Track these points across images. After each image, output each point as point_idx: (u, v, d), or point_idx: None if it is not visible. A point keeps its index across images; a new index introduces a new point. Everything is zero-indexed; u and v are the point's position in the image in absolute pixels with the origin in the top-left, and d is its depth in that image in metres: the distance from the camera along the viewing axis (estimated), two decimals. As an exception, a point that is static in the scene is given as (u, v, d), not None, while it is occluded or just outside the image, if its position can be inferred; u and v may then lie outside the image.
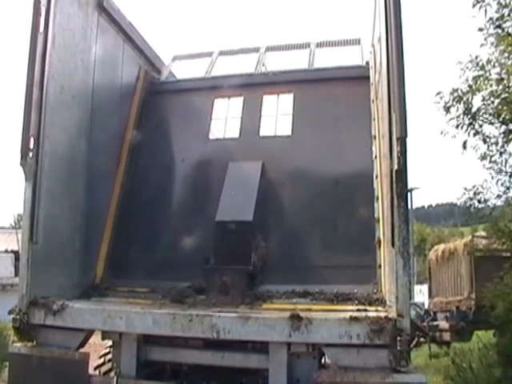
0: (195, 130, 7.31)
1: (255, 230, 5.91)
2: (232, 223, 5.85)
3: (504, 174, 10.57)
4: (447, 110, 10.11)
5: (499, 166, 10.55)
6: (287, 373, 4.36)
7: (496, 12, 9.27)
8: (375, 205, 5.81)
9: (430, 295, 20.27)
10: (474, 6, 9.21)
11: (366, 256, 5.67)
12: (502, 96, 9.36)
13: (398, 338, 3.97)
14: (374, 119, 6.34)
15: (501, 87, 9.44)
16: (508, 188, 10.62)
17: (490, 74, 9.62)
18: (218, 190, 6.21)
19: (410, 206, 5.72)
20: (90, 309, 4.93)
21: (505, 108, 9.25)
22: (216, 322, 4.40)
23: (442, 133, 10.45)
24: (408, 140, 4.07)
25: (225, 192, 6.18)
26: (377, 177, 5.88)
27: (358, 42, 8.31)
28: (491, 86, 9.58)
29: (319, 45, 8.39)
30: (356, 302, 5.24)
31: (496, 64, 9.61)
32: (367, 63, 7.32)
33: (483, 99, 9.83)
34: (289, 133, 6.94)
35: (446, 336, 16.48)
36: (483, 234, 15.44)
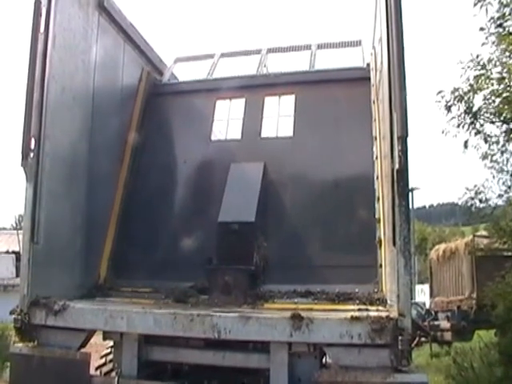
0: (197, 132, 7.35)
1: (257, 230, 5.96)
2: (234, 224, 5.90)
3: (505, 173, 10.59)
4: (448, 109, 10.11)
5: (500, 165, 10.57)
6: (288, 372, 4.36)
7: (497, 11, 9.27)
8: (376, 205, 5.85)
9: (431, 295, 20.25)
10: (475, 5, 9.20)
11: (367, 256, 5.72)
12: (503, 95, 9.35)
13: (400, 338, 3.97)
14: (375, 120, 6.39)
15: (502, 86, 9.43)
16: (509, 187, 10.64)
17: (491, 73, 9.61)
18: (220, 191, 6.26)
19: (411, 206, 5.73)
20: (91, 309, 4.92)
21: (506, 107, 9.24)
22: (217, 321, 4.40)
23: (443, 132, 10.46)
24: (409, 139, 4.07)
25: (227, 193, 6.24)
26: (377, 177, 5.92)
27: (358, 43, 8.33)
28: (492, 85, 9.57)
29: (320, 46, 8.43)
30: (357, 301, 5.30)
31: (497, 63, 9.60)
32: (368, 65, 7.38)
33: (484, 98, 9.83)
34: (290, 134, 6.99)
35: (447, 335, 16.45)
36: (484, 233, 15.44)
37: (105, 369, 5.82)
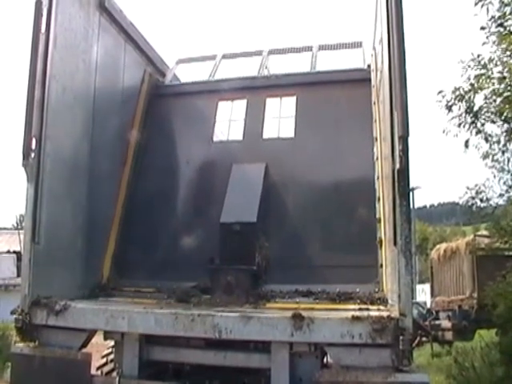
0: (199, 133, 7.39)
1: (259, 230, 5.99)
2: (236, 224, 5.93)
3: (506, 172, 10.59)
4: (449, 108, 10.12)
5: (501, 164, 10.57)
6: (289, 372, 4.35)
7: (498, 10, 9.26)
8: (377, 206, 5.87)
9: (432, 294, 20.26)
10: (476, 4, 9.21)
11: (368, 256, 5.74)
12: (504, 94, 9.35)
13: (401, 338, 3.96)
14: (376, 121, 6.42)
15: (503, 86, 9.43)
16: (510, 187, 10.64)
17: (492, 73, 9.61)
18: (222, 192, 6.30)
19: (411, 206, 5.73)
20: (92, 309, 4.93)
21: (507, 106, 9.23)
22: (218, 321, 4.40)
23: (444, 132, 10.47)
24: (410, 139, 4.07)
25: (229, 193, 6.27)
26: (378, 178, 5.95)
27: (359, 44, 8.36)
28: (493, 84, 9.56)
29: (321, 48, 8.46)
30: (358, 301, 5.32)
31: (498, 62, 9.60)
32: (369, 66, 7.42)
33: (485, 98, 9.83)
34: (292, 135, 7.02)
35: (448, 335, 16.45)
36: (485, 232, 15.44)
37: (106, 369, 5.82)
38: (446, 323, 16.94)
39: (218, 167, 6.95)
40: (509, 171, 10.55)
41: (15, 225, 50.10)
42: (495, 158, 10.54)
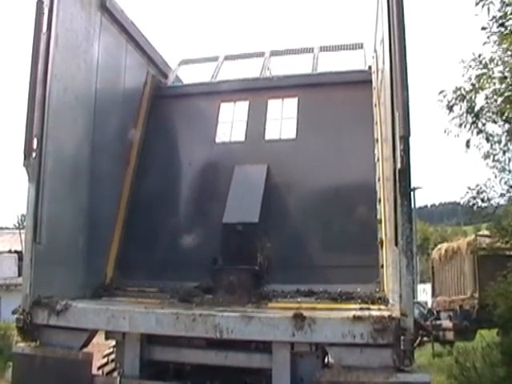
0: (202, 134, 7.44)
1: (261, 231, 6.03)
2: (238, 225, 6.00)
3: (507, 172, 10.58)
4: (450, 108, 10.12)
5: (502, 164, 10.56)
6: (290, 372, 4.35)
7: (499, 10, 9.25)
8: (377, 206, 5.90)
9: (434, 294, 20.27)
10: (476, 4, 9.19)
11: (369, 256, 5.78)
12: (506, 94, 9.34)
13: (402, 338, 3.96)
14: (377, 123, 6.44)
15: (504, 85, 9.42)
16: (511, 187, 10.61)
17: (493, 73, 9.60)
18: (225, 193, 6.37)
19: (413, 205, 5.74)
20: (93, 309, 4.93)
21: (508, 106, 9.22)
22: (219, 321, 4.40)
23: (445, 132, 10.47)
24: (411, 139, 4.07)
25: (231, 194, 6.34)
26: (379, 179, 5.98)
27: (360, 46, 8.40)
28: (494, 84, 9.56)
29: (323, 49, 8.49)
30: (359, 300, 5.36)
31: (499, 62, 9.59)
32: (369, 67, 7.46)
33: (486, 98, 9.82)
34: (293, 136, 7.06)
35: (450, 335, 16.45)
36: (486, 232, 15.44)
37: (107, 368, 5.81)
38: (447, 323, 16.95)
39: (221, 168, 6.99)
40: (510, 171, 10.54)
41: (16, 224, 50.16)
42: (496, 157, 10.54)
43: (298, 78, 7.83)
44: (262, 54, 8.66)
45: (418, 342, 4.59)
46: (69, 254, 5.69)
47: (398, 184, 4.10)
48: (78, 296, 5.52)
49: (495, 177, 10.70)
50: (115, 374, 5.02)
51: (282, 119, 7.37)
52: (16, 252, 29.99)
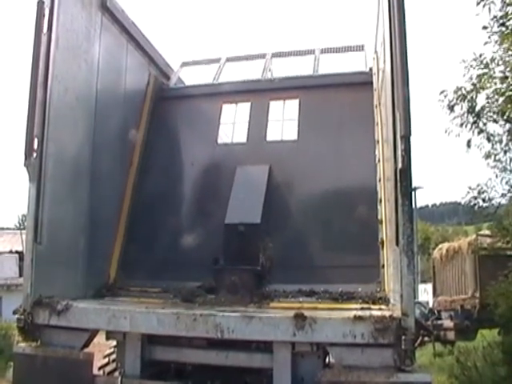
0: (204, 135, 7.47)
1: (263, 231, 6.07)
2: (241, 225, 6.02)
3: (508, 172, 10.59)
4: (451, 108, 10.13)
5: (503, 164, 10.58)
6: (291, 372, 4.35)
7: (500, 10, 9.27)
8: (378, 207, 5.93)
9: (435, 294, 20.28)
10: (478, 4, 9.22)
11: (370, 256, 5.81)
12: (507, 94, 9.34)
13: (403, 337, 3.95)
14: (377, 124, 6.47)
15: (505, 85, 9.42)
16: (512, 186, 10.62)
17: (494, 72, 9.61)
18: (227, 194, 6.41)
19: (414, 205, 5.76)
20: (94, 309, 4.93)
21: (509, 106, 9.23)
22: (220, 321, 4.40)
23: (446, 131, 10.48)
24: (412, 139, 4.07)
25: (233, 195, 6.38)
26: (380, 180, 6.01)
27: (361, 48, 8.42)
28: (495, 84, 9.57)
29: (324, 51, 8.51)
30: (360, 300, 5.38)
31: (500, 62, 9.60)
32: (370, 69, 7.48)
33: (487, 97, 9.83)
34: (295, 137, 7.10)
35: (451, 335, 16.46)
36: (487, 232, 15.46)
37: (108, 368, 5.83)
38: (448, 323, 16.96)
39: (223, 169, 7.02)
40: (511, 171, 10.54)
41: (17, 225, 50.27)
42: (497, 157, 10.55)
43: (300, 80, 7.86)
44: (263, 56, 8.70)
45: (419, 341, 4.60)
46: (70, 254, 5.69)
47: (398, 184, 4.10)
48: (78, 296, 5.52)
49: (496, 177, 10.72)
50: (116, 373, 5.03)
51: (284, 120, 7.41)
52: (17, 252, 30.00)
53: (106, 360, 6.03)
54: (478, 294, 15.32)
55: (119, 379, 4.70)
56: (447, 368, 11.38)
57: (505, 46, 9.31)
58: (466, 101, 9.96)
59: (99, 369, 5.81)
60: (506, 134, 10.19)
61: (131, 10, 7.19)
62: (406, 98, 4.12)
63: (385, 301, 5.21)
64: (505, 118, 9.65)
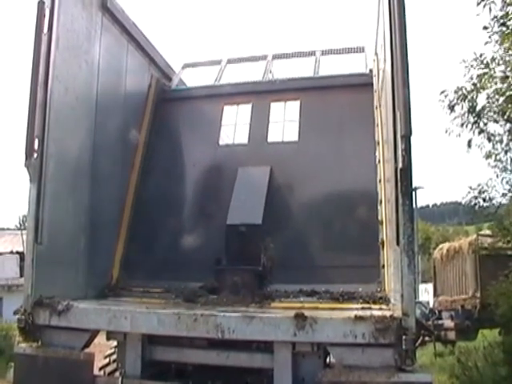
0: (205, 136, 7.52)
1: (264, 232, 6.10)
2: (242, 226, 6.10)
3: (509, 172, 10.60)
4: (452, 108, 10.14)
5: (504, 164, 10.59)
6: (292, 372, 4.35)
7: (500, 10, 9.27)
8: (379, 207, 5.97)
9: (435, 294, 20.28)
10: (478, 4, 9.22)
11: (370, 257, 5.85)
12: (507, 94, 9.36)
13: (404, 337, 3.95)
14: (377, 125, 6.51)
15: (505, 85, 9.43)
16: (513, 186, 10.62)
17: (494, 72, 9.62)
18: (228, 194, 6.47)
19: (414, 205, 5.77)
20: (94, 309, 4.93)
21: (510, 106, 9.24)
22: (221, 321, 4.39)
23: (446, 131, 10.48)
24: (412, 138, 4.07)
25: (235, 196, 6.44)
26: (380, 181, 6.05)
27: (361, 49, 8.45)
28: (496, 84, 9.58)
29: (324, 52, 8.54)
30: (360, 300, 5.42)
31: (501, 62, 9.60)
32: (371, 71, 7.50)
33: (488, 97, 9.84)
34: (296, 139, 7.13)
35: (451, 335, 16.46)
36: (488, 232, 15.46)
37: (108, 369, 5.83)
38: (448, 323, 16.96)
39: (224, 170, 7.09)
40: (511, 171, 10.54)
41: (18, 225, 50.25)
42: (498, 157, 10.56)
43: (300, 81, 7.90)
44: (264, 58, 8.72)
45: (419, 341, 4.59)
46: (70, 254, 5.69)
47: (399, 183, 4.10)
48: (79, 296, 5.52)
49: (497, 176, 10.74)
50: (117, 374, 5.03)
51: (285, 122, 7.44)
52: (18, 253, 30.02)
53: (107, 360, 6.02)
54: (478, 294, 15.32)
55: (120, 379, 4.69)
56: (448, 368, 11.38)
57: (505, 45, 9.32)
58: (466, 101, 9.97)
59: (100, 369, 5.81)
60: (507, 133, 10.20)
61: (132, 12, 7.21)
62: (406, 97, 4.12)
63: (385, 301, 5.23)
64: (505, 117, 9.66)
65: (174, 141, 7.68)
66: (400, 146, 4.07)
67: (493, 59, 9.61)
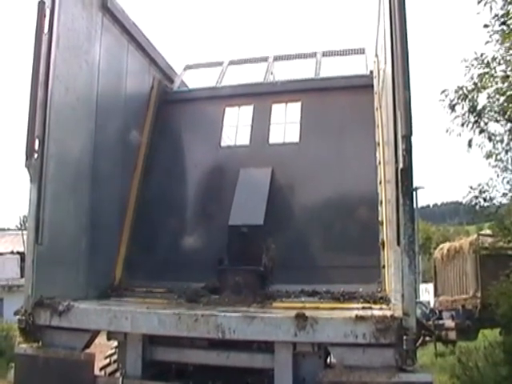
0: (207, 138, 7.59)
1: (266, 232, 6.16)
2: (244, 227, 6.18)
3: (510, 171, 10.60)
4: (452, 108, 10.13)
5: (505, 163, 10.58)
6: (293, 372, 4.34)
7: (501, 9, 9.27)
8: (379, 208, 6.01)
9: (436, 294, 20.27)
10: (479, 2, 9.22)
11: (371, 257, 5.89)
12: (508, 93, 9.36)
13: (404, 337, 3.94)
14: (378, 126, 6.55)
15: (506, 84, 9.42)
16: (514, 186, 10.61)
17: (495, 72, 9.62)
18: (230, 195, 6.54)
19: (415, 205, 5.79)
20: (95, 309, 4.92)
21: (510, 105, 9.23)
22: (221, 321, 4.39)
23: (447, 131, 10.48)
24: (413, 138, 4.07)
25: (237, 197, 6.51)
26: (380, 182, 6.11)
27: (362, 51, 8.48)
28: (496, 83, 9.57)
29: (325, 54, 8.57)
30: (361, 300, 5.45)
31: (501, 61, 9.60)
32: (371, 72, 7.54)
33: (488, 97, 9.85)
34: (297, 140, 7.19)
35: (452, 335, 16.44)
36: (489, 232, 15.45)
37: (109, 369, 5.83)
38: (449, 323, 16.94)
39: (226, 171, 7.15)
40: (512, 170, 10.54)
41: (19, 226, 50.19)
42: (499, 157, 10.56)
43: (301, 83, 7.94)
44: (265, 59, 8.76)
45: (420, 341, 4.58)
46: (71, 254, 5.69)
47: (400, 183, 4.10)
48: (80, 297, 5.52)
49: (497, 176, 10.74)
50: (117, 374, 5.03)
51: (286, 123, 7.49)
52: (18, 253, 30.03)
53: (108, 361, 6.02)
54: (479, 294, 15.31)
55: (120, 380, 4.69)
56: (449, 368, 11.36)
57: (506, 45, 9.32)
58: (467, 100, 9.96)
59: (100, 369, 5.81)
60: (507, 133, 10.20)
61: (133, 13, 7.23)
62: (406, 97, 4.11)
63: (385, 300, 5.26)
64: (506, 117, 9.66)
65: (176, 142, 7.73)
66: (401, 147, 4.07)
67: (493, 58, 9.61)
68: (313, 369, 4.34)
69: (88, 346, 4.97)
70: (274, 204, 6.47)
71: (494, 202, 10.82)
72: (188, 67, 9.19)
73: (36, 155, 5.07)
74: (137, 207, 7.04)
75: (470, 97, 9.92)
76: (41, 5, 5.24)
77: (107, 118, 6.50)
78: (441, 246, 21.26)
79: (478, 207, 10.96)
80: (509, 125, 10.00)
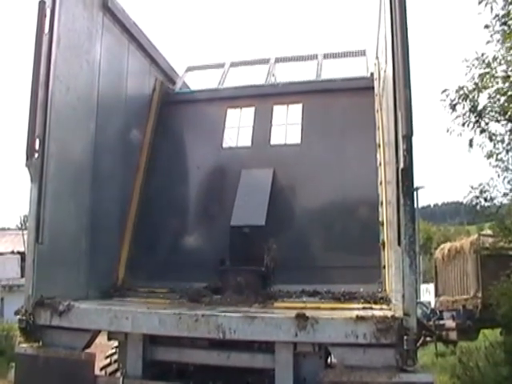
0: (209, 139, 7.64)
1: (267, 233, 6.20)
2: (246, 227, 6.24)
3: (510, 171, 10.58)
4: (453, 107, 10.12)
5: (505, 163, 10.57)
6: (293, 372, 4.34)
7: (502, 9, 9.26)
8: (379, 209, 6.06)
9: (437, 294, 20.23)
10: (479, 2, 9.22)
11: (371, 257, 5.93)
12: (509, 93, 9.36)
13: (405, 337, 3.94)
14: (379, 128, 6.59)
15: (507, 84, 9.42)
16: (514, 186, 10.60)
17: (496, 72, 9.61)
18: (232, 196, 6.59)
19: (415, 205, 5.80)
20: (95, 309, 4.92)
21: (511, 105, 9.22)
22: (222, 321, 4.39)
23: (447, 131, 10.46)
24: (414, 138, 4.07)
25: (238, 198, 6.56)
26: (381, 183, 6.14)
27: (363, 53, 8.53)
28: (497, 83, 9.58)
29: (326, 56, 8.62)
30: (362, 300, 5.48)
31: (502, 61, 9.59)
32: (372, 74, 7.57)
33: (489, 97, 9.84)
34: (298, 141, 7.25)
35: (453, 335, 16.42)
36: (489, 232, 15.42)
37: (110, 369, 5.84)
38: (450, 323, 16.91)
39: (228, 172, 7.20)
40: (513, 170, 10.53)
41: (19, 225, 50.18)
42: (499, 157, 10.54)
43: (303, 85, 7.99)
44: (267, 61, 8.82)
45: (421, 341, 4.58)
46: (71, 254, 5.69)
47: (400, 183, 4.09)
48: (80, 296, 5.52)
49: (498, 176, 10.72)
50: (118, 374, 5.03)
51: (287, 125, 7.54)
52: (19, 253, 30.08)
53: (108, 360, 6.04)
54: (480, 294, 15.28)
55: (121, 380, 4.69)
56: (449, 368, 11.37)
57: (507, 45, 9.32)
58: (467, 100, 9.95)
59: (101, 369, 5.82)
60: (508, 133, 10.19)
61: (134, 13, 7.26)
62: (407, 97, 4.11)
63: (386, 301, 5.28)
64: (507, 117, 9.65)
65: (178, 143, 7.77)
66: (401, 147, 4.07)
67: (494, 59, 9.61)
68: (313, 369, 4.34)
69: (88, 345, 4.96)
70: (275, 205, 6.51)
71: (495, 201, 10.82)
72: (190, 69, 9.24)
73: (36, 155, 5.07)
74: (139, 208, 7.08)
75: (470, 97, 9.91)
76: (41, 5, 5.24)
77: (108, 117, 6.50)
78: (441, 246, 21.22)
79: (478, 207, 10.95)
80: (509, 125, 9.99)
